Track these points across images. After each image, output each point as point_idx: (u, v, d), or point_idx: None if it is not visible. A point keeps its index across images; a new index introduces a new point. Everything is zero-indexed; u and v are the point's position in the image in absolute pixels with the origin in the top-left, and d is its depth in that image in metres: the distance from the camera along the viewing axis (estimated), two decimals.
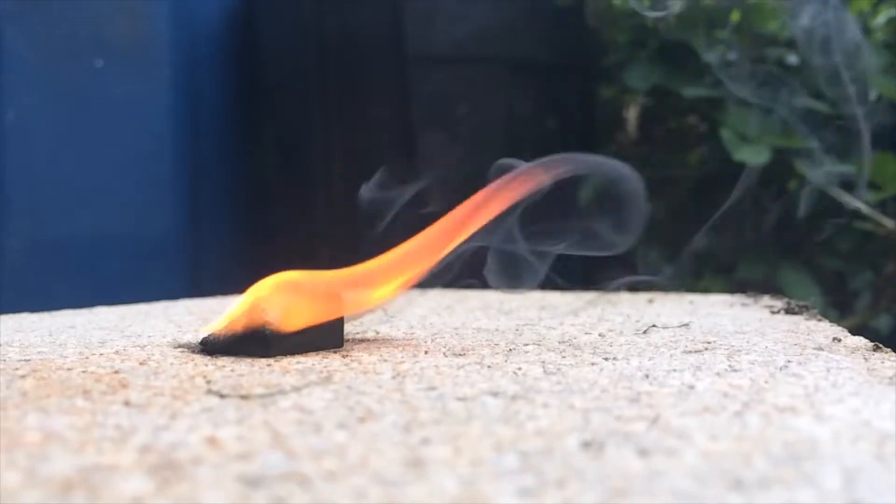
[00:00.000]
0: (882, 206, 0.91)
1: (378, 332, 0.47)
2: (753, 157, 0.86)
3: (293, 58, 1.16)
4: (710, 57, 1.03)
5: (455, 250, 0.43)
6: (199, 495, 0.19)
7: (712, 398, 0.29)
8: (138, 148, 1.12)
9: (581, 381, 0.32)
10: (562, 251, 0.43)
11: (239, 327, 0.39)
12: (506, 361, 0.37)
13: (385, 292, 0.43)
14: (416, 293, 0.70)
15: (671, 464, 0.22)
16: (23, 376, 0.33)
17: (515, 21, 1.08)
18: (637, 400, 0.29)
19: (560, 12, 1.08)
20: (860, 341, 0.41)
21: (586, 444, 0.23)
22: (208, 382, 0.32)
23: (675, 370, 0.34)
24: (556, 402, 0.28)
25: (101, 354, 0.39)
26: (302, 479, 0.20)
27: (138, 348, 0.41)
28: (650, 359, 0.37)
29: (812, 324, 0.49)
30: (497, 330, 0.48)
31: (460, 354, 0.39)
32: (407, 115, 1.06)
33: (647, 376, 0.33)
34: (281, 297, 0.40)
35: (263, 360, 0.37)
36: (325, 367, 0.36)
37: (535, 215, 0.43)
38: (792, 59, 1.00)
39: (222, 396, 0.30)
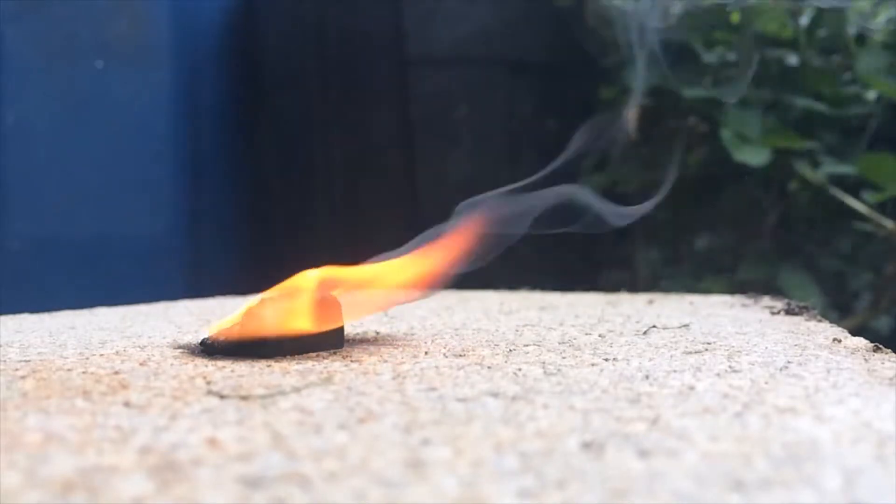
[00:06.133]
0: (882, 207, 0.92)
1: (378, 333, 0.47)
2: (754, 157, 0.86)
3: (293, 58, 1.16)
4: (710, 57, 1.03)
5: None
6: (200, 496, 0.19)
7: (712, 399, 0.29)
8: (138, 148, 1.12)
9: (581, 381, 0.32)
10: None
11: (237, 336, 0.39)
12: (506, 362, 0.37)
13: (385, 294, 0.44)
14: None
15: (671, 465, 0.22)
16: (23, 377, 0.33)
17: (515, 22, 1.08)
18: (637, 401, 0.29)
19: (560, 13, 1.08)
20: (860, 342, 0.41)
21: (586, 445, 0.23)
22: (208, 383, 0.32)
23: (675, 371, 0.34)
24: (556, 402, 0.28)
25: (101, 355, 0.39)
26: (302, 480, 0.20)
27: (138, 349, 0.41)
28: (650, 360, 0.37)
29: (812, 324, 0.49)
30: (497, 331, 0.48)
31: (460, 355, 0.39)
32: (407, 115, 1.06)
33: (647, 377, 0.33)
34: (279, 303, 0.40)
35: (263, 361, 0.37)
36: (326, 367, 0.36)
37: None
38: (792, 59, 1.00)
39: (222, 397, 0.30)
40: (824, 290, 0.96)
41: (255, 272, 1.19)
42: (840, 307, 1.02)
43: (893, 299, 0.99)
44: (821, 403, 0.28)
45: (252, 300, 0.41)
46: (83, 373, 0.34)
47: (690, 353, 0.39)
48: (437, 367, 0.36)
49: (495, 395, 0.30)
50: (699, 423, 0.26)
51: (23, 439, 0.24)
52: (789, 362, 0.36)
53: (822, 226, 1.02)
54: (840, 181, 0.93)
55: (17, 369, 0.35)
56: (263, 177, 1.24)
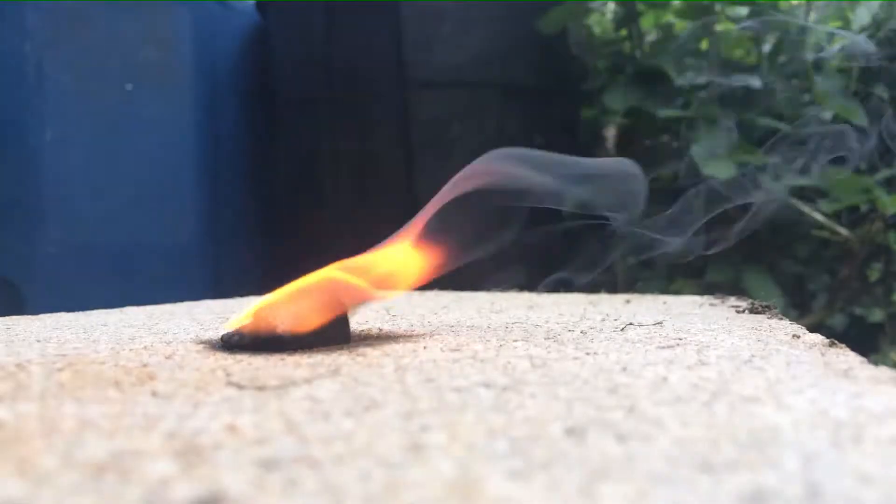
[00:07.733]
0: (837, 217, 0.92)
1: (381, 330, 0.47)
2: (721, 171, 0.86)
3: (304, 81, 1.16)
4: (682, 81, 1.04)
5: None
6: (220, 477, 0.19)
7: (684, 389, 0.29)
8: (164, 163, 1.12)
9: (565, 373, 0.32)
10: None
11: (252, 334, 0.39)
12: (497, 356, 0.37)
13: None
14: (416, 294, 0.70)
15: (647, 448, 0.22)
16: (60, 369, 0.33)
17: (506, 50, 1.09)
18: (615, 391, 0.29)
19: (546, 42, 1.09)
20: (817, 338, 0.41)
21: (570, 431, 0.23)
22: (228, 375, 0.32)
23: (649, 364, 0.34)
24: (542, 392, 0.28)
25: (130, 350, 0.39)
26: (313, 463, 0.20)
27: (164, 344, 0.41)
28: (627, 353, 0.37)
29: (774, 322, 0.49)
30: (489, 327, 0.48)
31: (456, 350, 0.39)
32: (407, 134, 1.07)
33: (624, 369, 0.33)
34: (289, 304, 0.40)
35: (277, 355, 0.37)
36: (334, 361, 0.36)
37: None
38: (756, 83, 1.01)
39: (241, 388, 0.30)
40: (785, 292, 0.96)
41: (271, 274, 1.19)
42: (799, 306, 1.02)
43: (847, 299, 0.99)
44: (781, 393, 0.28)
45: (260, 300, 0.41)
46: (114, 365, 0.34)
47: (664, 347, 0.39)
48: (434, 360, 0.35)
49: (487, 385, 0.30)
50: (672, 410, 0.26)
51: (60, 426, 0.24)
52: (753, 356, 0.36)
53: (782, 233, 1.02)
54: (799, 193, 0.93)
55: (54, 362, 0.35)
56: (277, 189, 1.24)
